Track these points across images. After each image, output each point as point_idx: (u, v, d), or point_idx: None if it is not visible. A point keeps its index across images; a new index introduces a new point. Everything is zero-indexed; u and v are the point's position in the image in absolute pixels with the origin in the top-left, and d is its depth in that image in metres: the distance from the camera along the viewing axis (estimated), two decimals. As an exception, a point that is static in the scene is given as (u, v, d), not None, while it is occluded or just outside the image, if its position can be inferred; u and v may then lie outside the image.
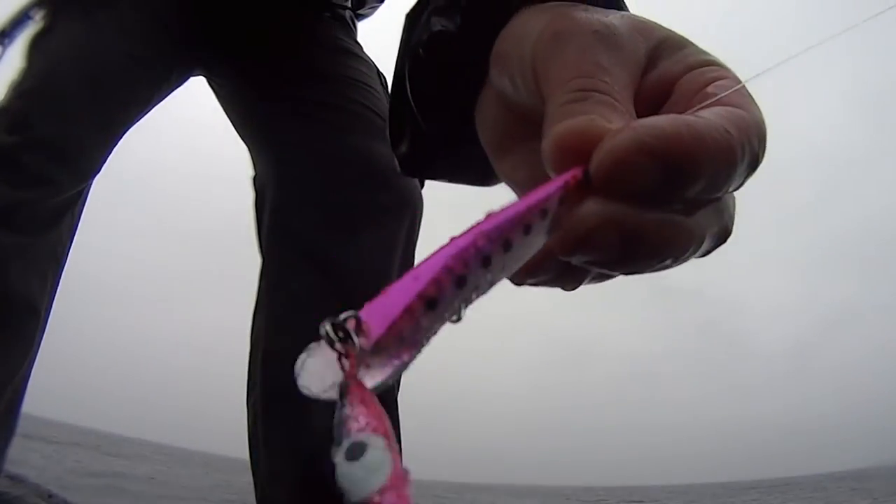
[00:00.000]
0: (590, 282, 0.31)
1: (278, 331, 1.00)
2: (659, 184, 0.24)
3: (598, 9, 0.33)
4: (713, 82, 0.29)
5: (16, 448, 0.91)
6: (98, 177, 0.99)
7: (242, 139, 1.18)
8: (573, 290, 0.31)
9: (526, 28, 0.33)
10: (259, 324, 1.04)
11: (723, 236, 0.29)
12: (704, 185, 0.25)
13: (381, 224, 1.03)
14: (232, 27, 1.11)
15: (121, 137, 0.98)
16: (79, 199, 0.97)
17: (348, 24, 1.23)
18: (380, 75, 1.18)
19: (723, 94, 0.27)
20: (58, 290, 0.96)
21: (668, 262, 0.27)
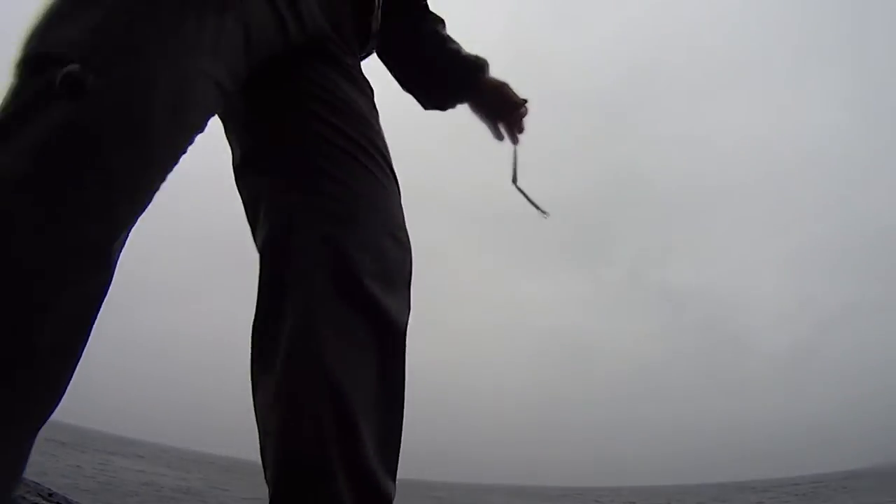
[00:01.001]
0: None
1: (323, 357, 0.95)
2: (521, 104, 1.36)
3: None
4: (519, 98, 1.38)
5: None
6: None
7: (259, 149, 1.07)
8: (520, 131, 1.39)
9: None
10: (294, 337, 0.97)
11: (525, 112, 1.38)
12: (522, 107, 1.37)
13: (408, 289, 1.07)
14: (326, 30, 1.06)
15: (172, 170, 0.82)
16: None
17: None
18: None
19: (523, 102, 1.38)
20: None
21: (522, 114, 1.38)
